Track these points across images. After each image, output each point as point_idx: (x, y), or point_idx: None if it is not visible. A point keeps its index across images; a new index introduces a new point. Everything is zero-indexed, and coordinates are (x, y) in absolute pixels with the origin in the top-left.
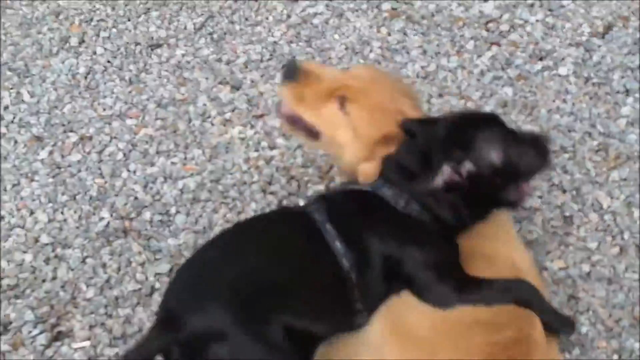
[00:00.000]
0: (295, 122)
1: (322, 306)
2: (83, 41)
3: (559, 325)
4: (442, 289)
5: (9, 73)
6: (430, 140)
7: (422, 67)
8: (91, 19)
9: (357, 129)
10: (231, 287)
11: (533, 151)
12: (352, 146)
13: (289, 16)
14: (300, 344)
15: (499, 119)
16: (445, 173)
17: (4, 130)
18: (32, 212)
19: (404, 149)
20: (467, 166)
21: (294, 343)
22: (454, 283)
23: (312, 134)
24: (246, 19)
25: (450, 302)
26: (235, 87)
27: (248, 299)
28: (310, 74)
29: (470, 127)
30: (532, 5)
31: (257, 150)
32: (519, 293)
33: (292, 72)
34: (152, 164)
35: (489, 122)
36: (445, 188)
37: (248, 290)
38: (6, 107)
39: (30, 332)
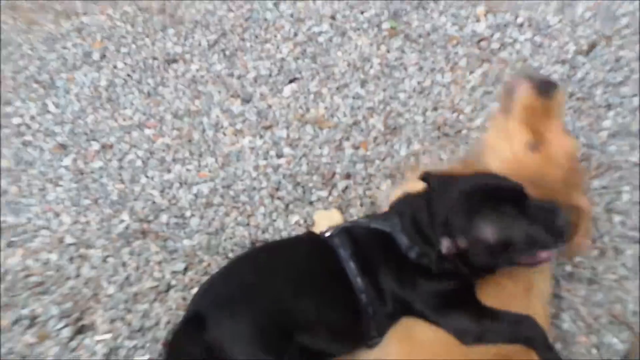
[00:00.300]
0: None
1: (340, 332)
2: (104, 56)
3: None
4: (458, 318)
5: (35, 85)
6: (440, 204)
7: (419, 83)
8: (112, 36)
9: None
10: (257, 307)
11: (543, 229)
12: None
13: (295, 34)
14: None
15: (519, 192)
16: (444, 245)
17: (30, 138)
18: (57, 215)
19: (419, 202)
20: (461, 242)
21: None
22: (470, 312)
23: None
24: (256, 37)
25: (468, 329)
26: (246, 100)
27: (271, 320)
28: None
29: (475, 201)
30: (521, 25)
31: (265, 159)
32: (527, 330)
33: (553, 89)
34: (169, 171)
35: (498, 198)
36: (447, 255)
37: (273, 311)
38: (32, 117)
39: (55, 325)
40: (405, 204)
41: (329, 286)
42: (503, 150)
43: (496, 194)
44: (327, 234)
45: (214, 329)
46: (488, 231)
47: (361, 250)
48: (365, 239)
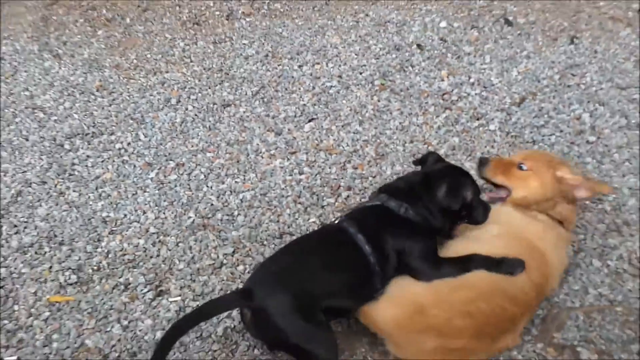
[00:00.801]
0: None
1: (356, 290)
2: (179, 101)
3: (510, 270)
4: (426, 269)
5: (131, 121)
6: (435, 173)
7: (400, 123)
8: (185, 87)
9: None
10: (291, 283)
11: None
12: (528, 189)
13: (313, 88)
14: (337, 314)
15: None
16: (444, 196)
17: (127, 158)
18: (144, 212)
19: (410, 176)
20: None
21: (333, 315)
22: (432, 264)
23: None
24: (285, 89)
25: (430, 278)
26: (278, 133)
27: (302, 292)
28: (494, 160)
29: (461, 176)
30: (472, 84)
31: (290, 175)
32: (473, 264)
33: (486, 161)
34: (223, 182)
35: (469, 176)
36: (440, 206)
37: (303, 285)
38: (129, 143)
39: (142, 290)
40: (386, 185)
41: (345, 257)
42: None
43: (467, 174)
44: (337, 222)
45: (259, 299)
46: (468, 194)
47: (364, 223)
48: (365, 215)
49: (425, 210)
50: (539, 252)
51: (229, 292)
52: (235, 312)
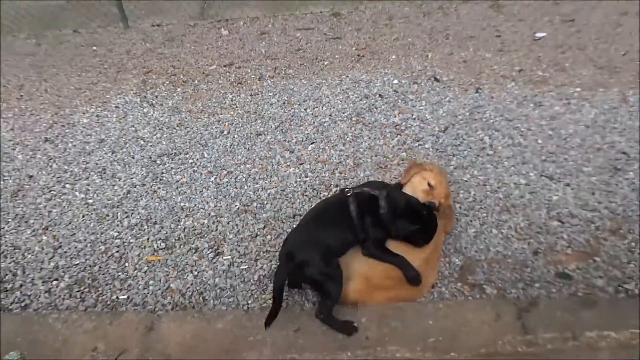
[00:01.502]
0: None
1: (347, 239)
2: (229, 132)
3: (410, 281)
4: (370, 250)
5: (198, 145)
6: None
7: (369, 144)
8: (232, 123)
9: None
10: (315, 240)
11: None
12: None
13: (313, 122)
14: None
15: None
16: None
17: (196, 169)
18: (207, 202)
19: (393, 191)
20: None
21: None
22: (377, 247)
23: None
24: (296, 124)
25: (373, 255)
26: (291, 152)
27: (323, 246)
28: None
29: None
30: (414, 118)
31: (299, 178)
32: (396, 261)
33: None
34: (257, 183)
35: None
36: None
37: (324, 243)
38: (197, 159)
39: (206, 252)
40: (387, 187)
41: (344, 224)
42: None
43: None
44: (348, 193)
45: (298, 257)
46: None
47: (359, 200)
48: (363, 198)
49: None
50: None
51: (276, 257)
52: (266, 265)
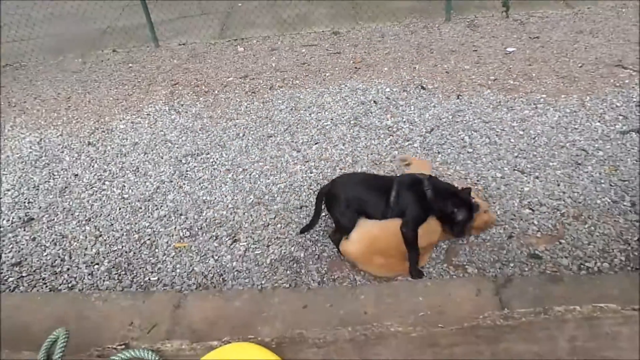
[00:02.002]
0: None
1: (379, 210)
2: (244, 135)
3: (414, 275)
4: (409, 228)
5: (218, 147)
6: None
7: (365, 144)
8: (247, 127)
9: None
10: (348, 192)
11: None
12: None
13: (317, 125)
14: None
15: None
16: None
17: (216, 167)
18: (225, 196)
19: (437, 182)
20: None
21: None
22: (414, 228)
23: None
24: (302, 127)
25: (409, 233)
26: (298, 151)
27: (349, 198)
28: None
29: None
30: (405, 122)
31: (305, 174)
32: (413, 253)
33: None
34: (268, 179)
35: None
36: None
37: (351, 196)
38: (217, 159)
39: (225, 239)
40: (429, 178)
41: (381, 192)
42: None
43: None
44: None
45: (332, 193)
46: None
47: (402, 185)
48: (407, 180)
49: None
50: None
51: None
52: (277, 250)
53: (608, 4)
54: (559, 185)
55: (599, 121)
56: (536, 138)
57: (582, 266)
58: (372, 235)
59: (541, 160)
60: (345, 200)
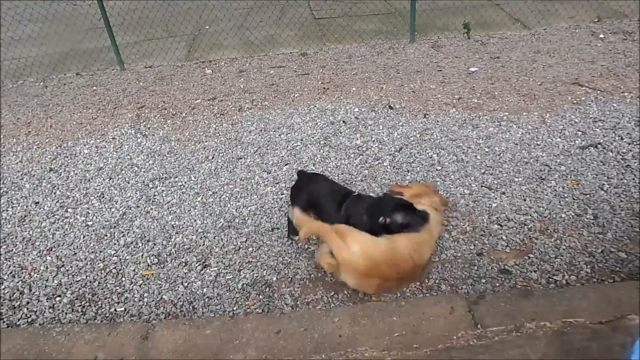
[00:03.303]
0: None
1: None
2: (213, 157)
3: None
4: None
5: (186, 170)
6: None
7: (335, 164)
8: (216, 149)
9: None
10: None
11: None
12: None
13: (287, 146)
14: None
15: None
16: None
17: (184, 190)
18: (195, 220)
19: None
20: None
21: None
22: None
23: None
24: (272, 148)
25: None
26: (268, 172)
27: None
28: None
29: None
30: (373, 141)
31: (276, 195)
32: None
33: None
34: (239, 201)
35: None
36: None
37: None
38: (185, 182)
39: (195, 265)
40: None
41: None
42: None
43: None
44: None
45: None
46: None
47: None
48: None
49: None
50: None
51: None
52: (249, 274)
53: (562, 25)
54: (525, 200)
55: (559, 137)
56: (501, 155)
57: (550, 279)
58: (375, 258)
59: (507, 176)
60: (306, 194)
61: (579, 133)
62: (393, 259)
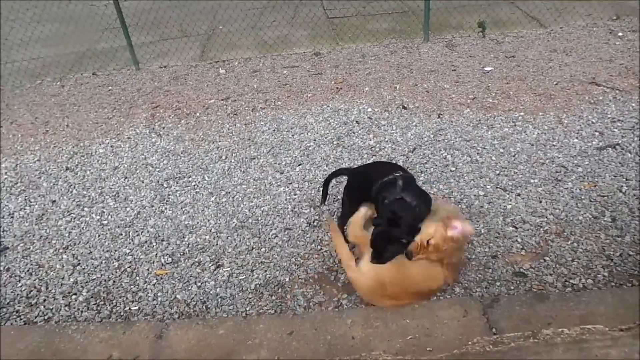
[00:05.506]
0: None
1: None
2: (227, 157)
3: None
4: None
5: (200, 170)
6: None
7: (348, 164)
8: (229, 149)
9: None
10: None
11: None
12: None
13: (300, 147)
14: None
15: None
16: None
17: (198, 190)
18: (208, 220)
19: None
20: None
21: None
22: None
23: None
24: (285, 148)
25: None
26: (281, 173)
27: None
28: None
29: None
30: (387, 141)
31: (289, 196)
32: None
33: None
34: (252, 202)
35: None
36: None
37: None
38: (199, 182)
39: (208, 265)
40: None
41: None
42: None
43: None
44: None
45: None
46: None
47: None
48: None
49: None
50: None
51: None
52: (261, 274)
53: (580, 24)
54: (540, 202)
55: (576, 137)
56: (516, 155)
57: (567, 283)
58: (382, 278)
59: (522, 177)
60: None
61: (597, 134)
62: (403, 280)
